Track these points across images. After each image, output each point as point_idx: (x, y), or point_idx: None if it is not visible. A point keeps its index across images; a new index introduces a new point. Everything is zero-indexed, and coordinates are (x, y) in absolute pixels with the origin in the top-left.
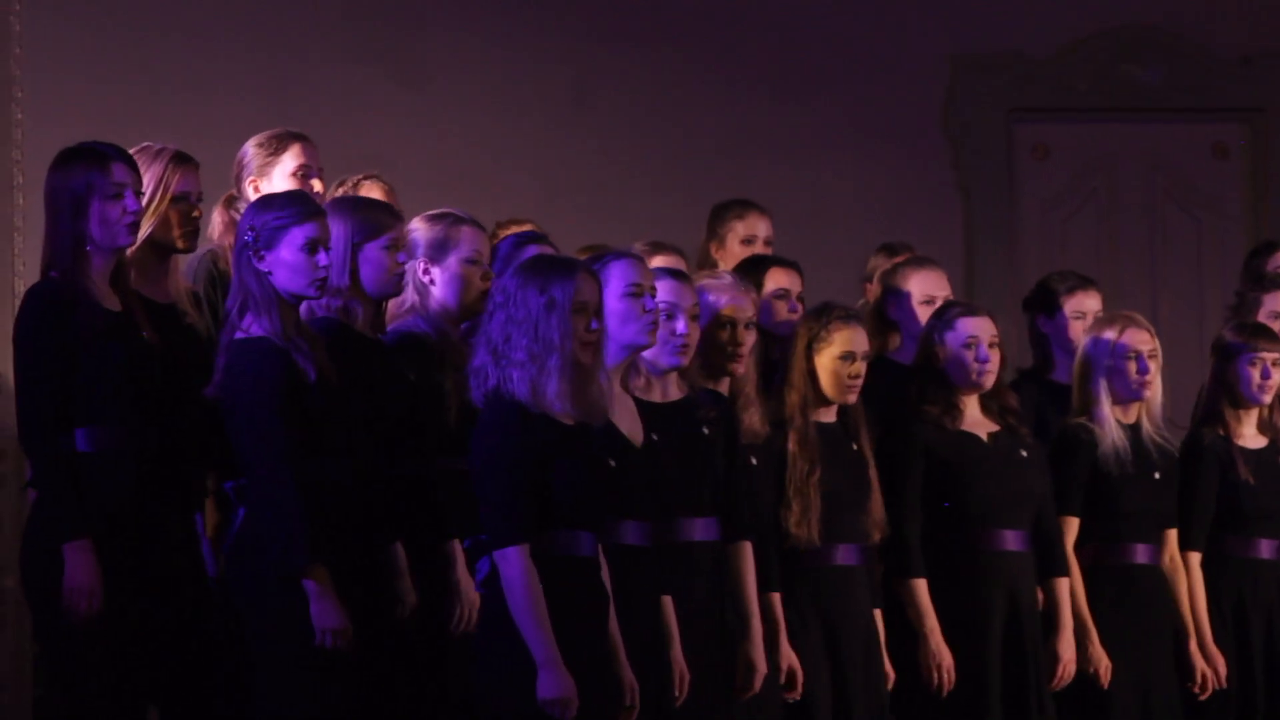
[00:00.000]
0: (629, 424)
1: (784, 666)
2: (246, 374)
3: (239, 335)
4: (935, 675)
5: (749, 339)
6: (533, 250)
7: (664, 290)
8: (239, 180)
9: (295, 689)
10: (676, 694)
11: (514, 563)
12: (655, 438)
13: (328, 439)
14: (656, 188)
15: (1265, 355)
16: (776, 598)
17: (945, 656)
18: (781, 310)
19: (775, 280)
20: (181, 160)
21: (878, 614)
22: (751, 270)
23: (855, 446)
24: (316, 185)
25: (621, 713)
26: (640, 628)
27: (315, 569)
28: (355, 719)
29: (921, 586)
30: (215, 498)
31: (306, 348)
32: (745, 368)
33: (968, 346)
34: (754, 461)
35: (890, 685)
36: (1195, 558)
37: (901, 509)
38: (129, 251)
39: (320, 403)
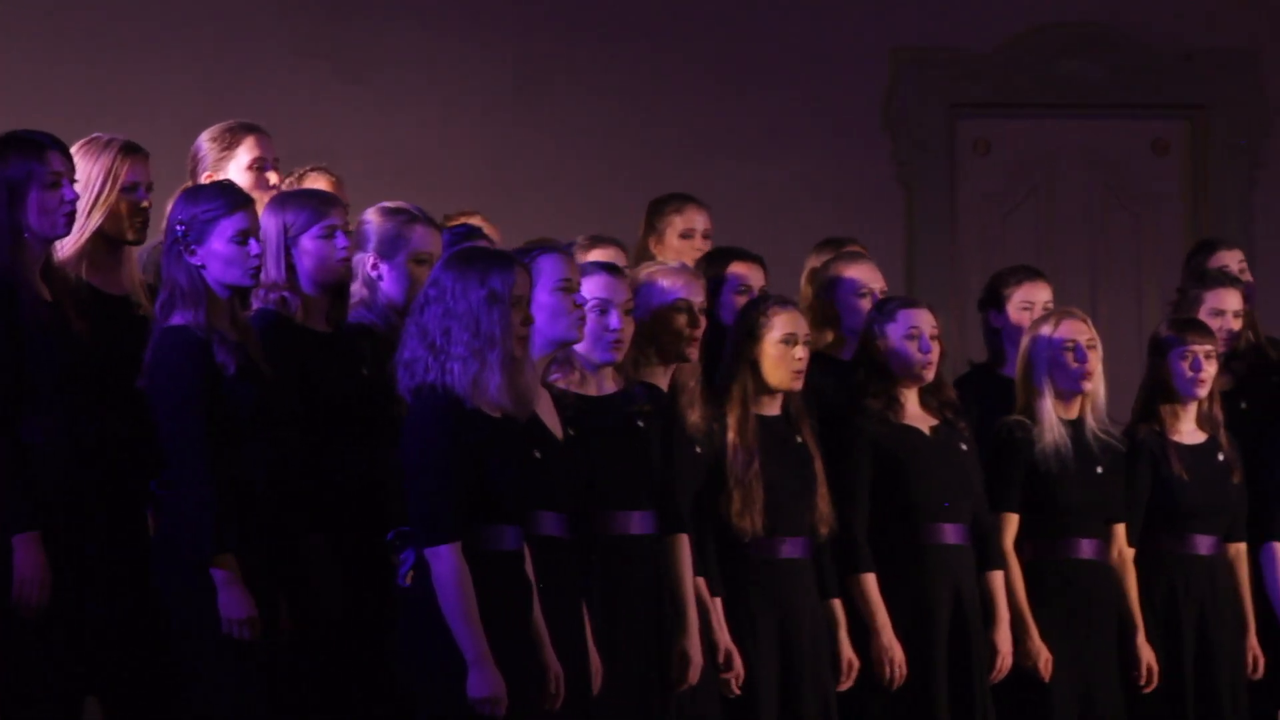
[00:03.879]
0: (548, 417)
1: (722, 649)
2: (165, 365)
3: (163, 326)
4: (887, 670)
5: (702, 324)
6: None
7: (599, 285)
8: (194, 174)
9: (216, 679)
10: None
11: (446, 560)
12: (572, 431)
13: (252, 430)
14: (602, 180)
15: (1196, 348)
16: (702, 583)
17: (897, 651)
18: (742, 304)
19: (737, 273)
20: (130, 151)
21: (837, 604)
22: (714, 263)
23: (799, 439)
24: (273, 178)
25: (546, 700)
26: (560, 619)
27: (223, 558)
28: (284, 711)
29: (871, 581)
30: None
31: (232, 339)
32: (697, 356)
33: (910, 338)
34: (699, 450)
35: (853, 673)
36: (1130, 554)
37: (848, 503)
38: (78, 243)
39: (242, 395)
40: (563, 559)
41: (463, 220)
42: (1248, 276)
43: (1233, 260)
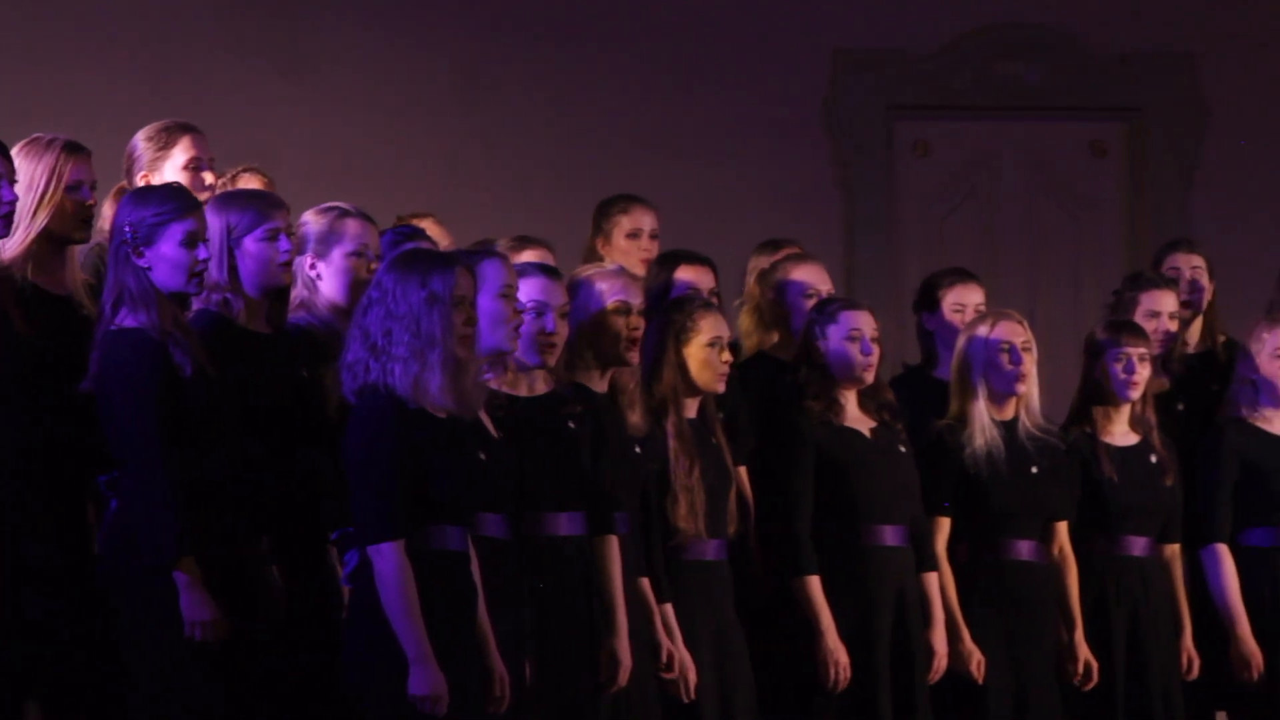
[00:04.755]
0: (488, 418)
1: (664, 651)
2: (121, 366)
3: (113, 328)
4: (832, 672)
5: (641, 327)
6: (410, 247)
7: (535, 287)
8: (129, 174)
9: (168, 681)
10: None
11: (388, 558)
12: (501, 434)
13: (203, 433)
14: (544, 180)
15: (1131, 350)
16: (646, 583)
17: (841, 654)
18: None
19: (684, 276)
20: (73, 150)
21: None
22: (663, 266)
23: (714, 440)
24: (209, 178)
25: (491, 703)
26: (504, 619)
27: (184, 561)
28: (232, 712)
29: (814, 583)
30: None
31: (185, 342)
32: (637, 358)
33: (851, 340)
34: (639, 450)
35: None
36: (1070, 551)
37: (791, 505)
38: (24, 243)
39: (196, 397)
40: (504, 560)
41: (413, 221)
42: (1203, 281)
43: (1185, 265)
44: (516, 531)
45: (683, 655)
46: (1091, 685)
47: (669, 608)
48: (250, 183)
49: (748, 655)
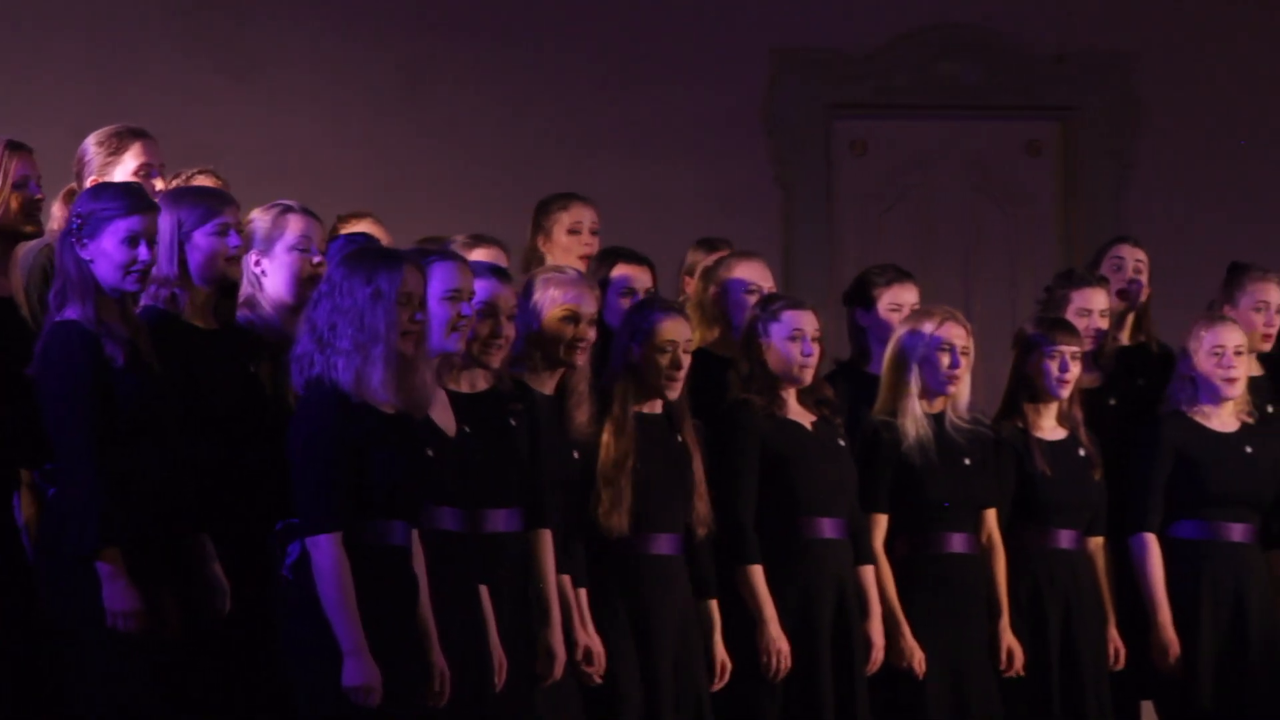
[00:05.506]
0: (441, 415)
1: (581, 646)
2: (55, 358)
3: (56, 319)
4: (773, 661)
5: (590, 334)
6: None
7: (483, 288)
8: (80, 177)
9: (99, 673)
10: (496, 681)
11: (325, 550)
12: (468, 429)
13: (139, 425)
14: (490, 178)
15: (1064, 349)
16: (567, 580)
17: (782, 643)
18: (625, 305)
19: (621, 273)
20: (16, 147)
21: (713, 605)
22: (602, 264)
23: (680, 438)
24: (159, 184)
25: (430, 697)
26: (455, 613)
27: (108, 551)
28: (170, 707)
29: (757, 573)
30: (30, 485)
31: (123, 334)
32: (584, 362)
33: (792, 339)
34: (576, 456)
35: (726, 675)
36: (999, 539)
37: (736, 496)
38: None
39: (130, 389)
40: (458, 554)
41: (354, 221)
42: (1143, 278)
43: (1130, 257)
44: (472, 525)
45: (590, 641)
46: (1013, 674)
47: (583, 593)
48: (204, 184)
49: (698, 653)
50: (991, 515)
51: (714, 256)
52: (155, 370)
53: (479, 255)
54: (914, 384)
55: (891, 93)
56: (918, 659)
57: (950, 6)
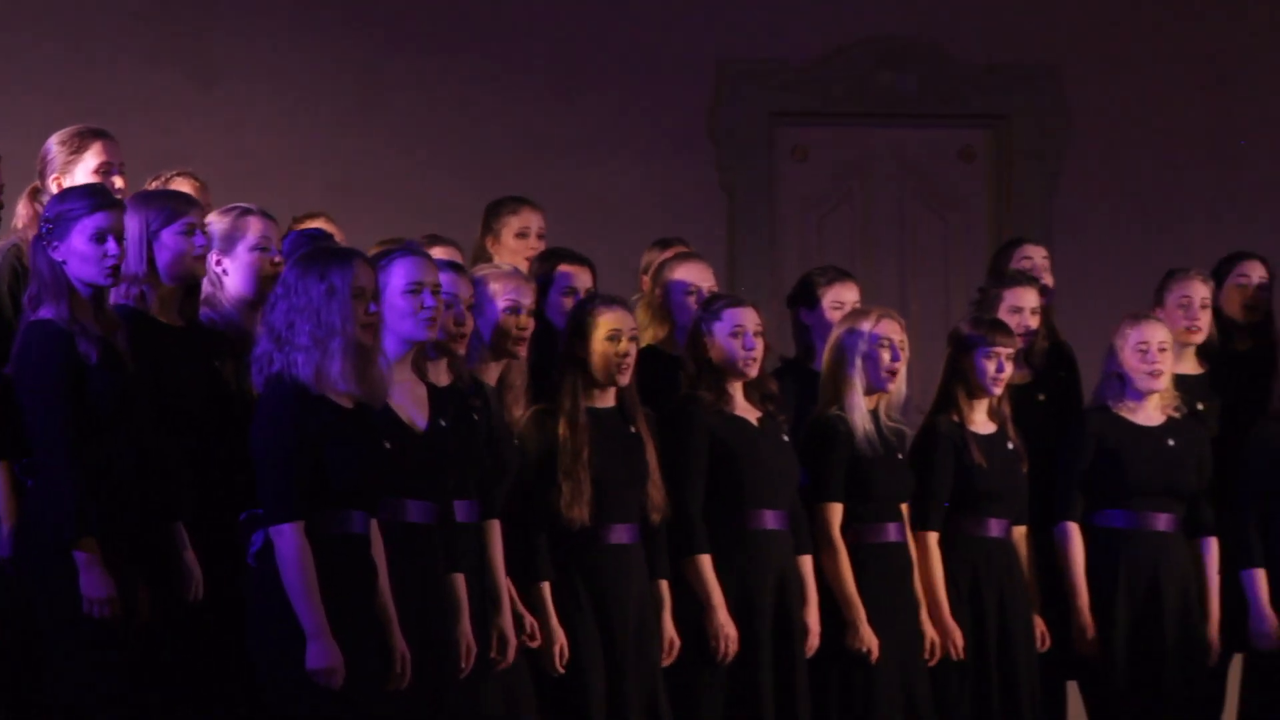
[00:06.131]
0: (415, 409)
1: (556, 644)
2: (31, 355)
3: (31, 319)
4: (721, 646)
5: (530, 325)
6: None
7: (446, 281)
8: (42, 176)
9: (77, 662)
10: (464, 666)
11: (288, 539)
12: (444, 423)
13: (114, 420)
14: (444, 183)
15: (1000, 350)
16: (534, 580)
17: (730, 628)
18: (568, 305)
19: (564, 274)
20: None
21: (664, 585)
22: (544, 263)
23: (633, 429)
24: (119, 182)
25: (392, 679)
26: (423, 602)
27: (85, 540)
28: (146, 695)
29: (706, 562)
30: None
31: (96, 332)
32: (524, 353)
33: (735, 336)
34: (518, 445)
35: (674, 651)
36: (933, 537)
37: (685, 488)
38: None
39: (103, 385)
40: (425, 545)
41: (309, 222)
42: (1047, 278)
43: (1037, 255)
44: (442, 516)
45: (552, 629)
46: (935, 663)
47: (545, 586)
48: (181, 187)
49: (655, 635)
50: (907, 510)
51: (663, 258)
52: (128, 366)
53: (436, 254)
54: (858, 380)
55: (831, 101)
56: (875, 646)
57: (887, 19)
